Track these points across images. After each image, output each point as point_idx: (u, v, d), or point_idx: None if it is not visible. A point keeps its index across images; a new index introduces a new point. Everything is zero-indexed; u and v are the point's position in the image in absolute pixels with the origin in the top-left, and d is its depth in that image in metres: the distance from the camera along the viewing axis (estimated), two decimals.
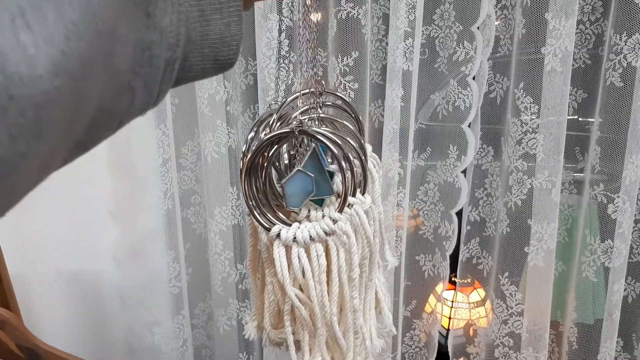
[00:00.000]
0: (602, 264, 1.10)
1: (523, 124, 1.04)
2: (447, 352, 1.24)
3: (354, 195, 0.43)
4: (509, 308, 1.15)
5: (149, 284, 1.16)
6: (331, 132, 0.43)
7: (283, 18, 1.00)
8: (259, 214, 0.44)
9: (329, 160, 0.43)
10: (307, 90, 0.47)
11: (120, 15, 0.17)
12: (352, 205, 0.42)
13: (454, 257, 1.16)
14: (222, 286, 1.18)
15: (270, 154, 0.44)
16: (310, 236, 0.41)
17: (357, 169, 0.44)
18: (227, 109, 1.09)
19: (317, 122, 0.46)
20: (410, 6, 0.99)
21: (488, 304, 1.21)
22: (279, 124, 0.46)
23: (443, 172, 1.11)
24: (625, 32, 0.97)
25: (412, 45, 1.01)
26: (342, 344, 0.42)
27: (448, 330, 1.26)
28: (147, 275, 1.15)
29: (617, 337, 1.14)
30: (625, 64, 0.98)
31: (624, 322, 1.15)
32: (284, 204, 0.43)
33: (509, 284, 1.14)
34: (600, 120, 1.04)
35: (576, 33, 0.99)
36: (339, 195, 0.43)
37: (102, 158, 1.10)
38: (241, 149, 0.47)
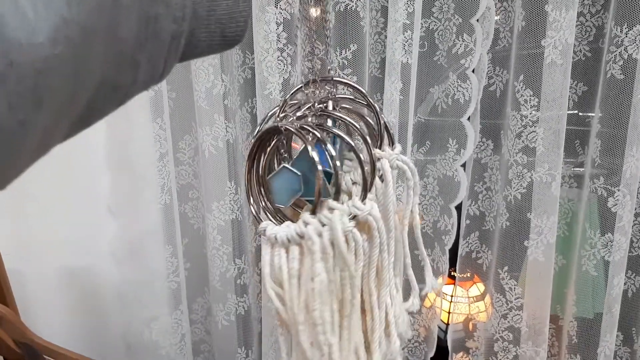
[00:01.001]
0: (602, 258, 1.10)
1: (523, 117, 1.03)
2: (447, 347, 1.24)
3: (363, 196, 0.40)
4: (508, 302, 1.15)
5: (146, 280, 1.15)
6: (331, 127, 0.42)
7: (281, 10, 0.99)
8: (261, 208, 0.42)
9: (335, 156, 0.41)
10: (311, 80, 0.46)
11: None
12: (333, 211, 0.39)
13: (454, 252, 1.16)
14: (220, 281, 1.17)
15: (270, 147, 0.43)
16: (287, 237, 0.39)
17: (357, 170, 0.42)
18: (224, 103, 1.08)
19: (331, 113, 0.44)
20: None
21: (487, 298, 1.20)
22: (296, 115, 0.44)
23: (442, 166, 1.11)
24: (626, 24, 0.96)
25: (411, 38, 1.00)
26: (307, 357, 0.40)
27: (447, 324, 1.26)
28: (145, 270, 1.15)
29: (617, 331, 1.14)
30: (626, 56, 0.98)
31: (624, 316, 1.15)
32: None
33: (508, 278, 1.14)
34: (601, 113, 1.04)
35: (576, 25, 0.99)
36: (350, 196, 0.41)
37: (99, 153, 1.10)
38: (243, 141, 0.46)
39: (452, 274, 1.22)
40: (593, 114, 1.06)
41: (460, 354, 1.25)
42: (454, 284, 1.23)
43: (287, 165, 0.40)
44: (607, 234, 1.08)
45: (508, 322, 1.16)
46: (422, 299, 1.13)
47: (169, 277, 1.16)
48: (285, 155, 0.45)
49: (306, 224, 0.38)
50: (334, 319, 0.39)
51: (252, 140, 0.43)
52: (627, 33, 0.96)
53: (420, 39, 1.03)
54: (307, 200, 0.40)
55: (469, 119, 1.06)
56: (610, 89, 1.01)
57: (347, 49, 1.02)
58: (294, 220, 0.41)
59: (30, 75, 0.13)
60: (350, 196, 0.41)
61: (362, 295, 0.42)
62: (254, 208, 0.43)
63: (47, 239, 1.12)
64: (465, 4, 1.00)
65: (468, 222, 1.15)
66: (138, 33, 0.18)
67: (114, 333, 1.20)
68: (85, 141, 1.08)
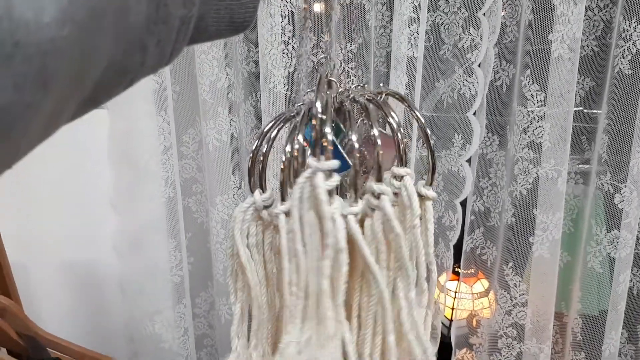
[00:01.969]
0: (607, 255, 1.09)
1: (529, 112, 1.02)
2: (450, 343, 1.23)
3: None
4: (513, 298, 1.14)
5: (150, 273, 1.15)
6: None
7: (286, 3, 0.98)
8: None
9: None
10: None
11: None
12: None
13: (458, 248, 1.15)
14: (224, 275, 1.17)
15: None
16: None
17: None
18: (228, 96, 1.08)
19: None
20: None
21: (492, 294, 1.20)
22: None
23: (447, 161, 1.10)
24: (635, 18, 0.95)
25: (417, 31, 1.00)
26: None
27: (451, 321, 1.25)
28: (148, 264, 1.14)
29: (622, 329, 1.13)
30: (634, 51, 0.96)
31: (629, 314, 1.14)
32: None
33: (513, 274, 1.13)
34: (608, 108, 1.03)
35: (584, 20, 0.98)
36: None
37: (103, 146, 1.09)
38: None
39: (457, 270, 1.21)
40: (600, 111, 1.05)
41: (464, 350, 1.24)
42: (458, 280, 1.23)
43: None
44: (613, 230, 1.07)
45: (512, 318, 1.15)
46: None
47: (172, 270, 1.16)
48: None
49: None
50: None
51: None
52: (635, 27, 0.95)
53: (426, 32, 1.02)
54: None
55: (474, 113, 1.05)
56: (618, 84, 1.00)
57: (353, 42, 1.01)
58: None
59: (37, 56, 0.13)
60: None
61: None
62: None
63: (50, 232, 1.12)
64: None
65: (473, 217, 1.15)
66: (147, 17, 0.18)
67: (116, 326, 1.20)
68: (89, 134, 1.07)
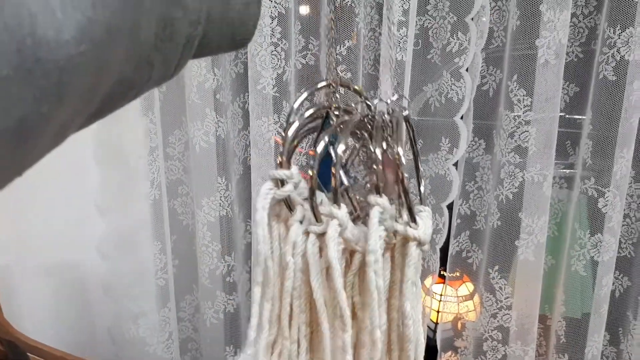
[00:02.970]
0: (591, 258, 1.11)
1: (515, 117, 1.03)
2: (436, 346, 1.24)
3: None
4: (498, 302, 1.15)
5: (135, 276, 1.13)
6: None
7: (275, 4, 0.98)
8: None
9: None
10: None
11: None
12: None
13: (444, 251, 1.16)
14: (209, 278, 1.16)
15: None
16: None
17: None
18: (216, 97, 1.07)
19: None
20: None
21: (477, 297, 1.20)
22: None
23: (434, 164, 1.10)
24: (619, 25, 0.97)
25: (405, 35, 1.00)
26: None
27: (436, 324, 1.25)
28: (133, 267, 1.13)
29: (604, 331, 1.15)
30: (618, 58, 0.98)
31: (611, 316, 1.16)
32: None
33: (498, 277, 1.14)
34: (592, 114, 1.04)
35: (570, 26, 0.99)
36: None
37: (89, 148, 1.08)
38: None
39: (442, 273, 1.22)
40: (584, 117, 1.07)
41: (449, 353, 1.25)
42: (444, 283, 1.23)
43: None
44: (596, 234, 1.09)
45: (497, 321, 1.16)
46: None
47: (157, 273, 1.14)
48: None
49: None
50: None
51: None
52: (620, 35, 0.97)
53: (414, 36, 1.03)
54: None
55: (462, 117, 1.05)
56: (602, 90, 1.02)
57: (342, 45, 1.01)
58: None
59: (55, 71, 0.14)
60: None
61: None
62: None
63: (34, 234, 1.09)
64: (460, 3, 1.00)
65: (459, 221, 1.15)
66: (156, 35, 0.19)
67: (100, 329, 1.18)
68: (75, 135, 1.05)
